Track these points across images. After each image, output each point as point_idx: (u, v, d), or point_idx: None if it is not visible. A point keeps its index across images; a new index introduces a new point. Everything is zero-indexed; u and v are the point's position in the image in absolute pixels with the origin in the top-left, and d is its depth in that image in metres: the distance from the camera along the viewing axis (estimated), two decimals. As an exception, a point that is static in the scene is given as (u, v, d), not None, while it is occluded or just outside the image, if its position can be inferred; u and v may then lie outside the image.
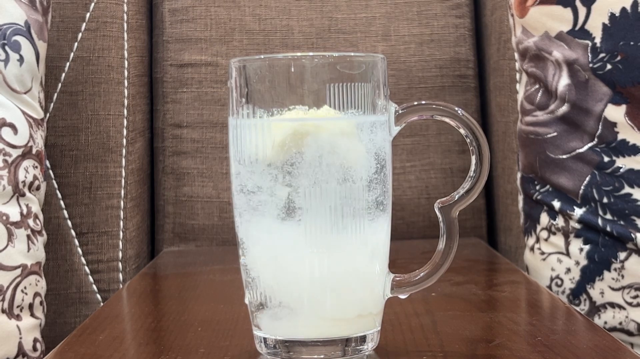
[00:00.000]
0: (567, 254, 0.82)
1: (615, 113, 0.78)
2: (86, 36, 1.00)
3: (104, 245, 0.99)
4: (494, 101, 1.06)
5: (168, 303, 0.75)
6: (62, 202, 0.99)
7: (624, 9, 0.76)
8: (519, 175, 0.89)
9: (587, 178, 0.80)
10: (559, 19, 0.80)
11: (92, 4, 1.01)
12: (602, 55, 0.77)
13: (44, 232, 0.85)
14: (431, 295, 0.69)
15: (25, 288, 0.79)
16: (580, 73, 0.79)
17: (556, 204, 0.82)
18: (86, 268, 0.99)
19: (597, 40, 0.78)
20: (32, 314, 0.80)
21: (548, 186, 0.83)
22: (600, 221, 0.79)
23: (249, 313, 0.54)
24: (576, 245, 0.81)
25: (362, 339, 0.52)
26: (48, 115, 0.98)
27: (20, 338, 0.78)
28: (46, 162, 0.96)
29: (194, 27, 1.08)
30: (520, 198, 0.89)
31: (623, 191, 0.78)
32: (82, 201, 0.99)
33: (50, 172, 0.98)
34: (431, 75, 1.08)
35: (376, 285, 0.52)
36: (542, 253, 0.84)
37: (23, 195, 0.81)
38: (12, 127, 0.80)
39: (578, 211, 0.81)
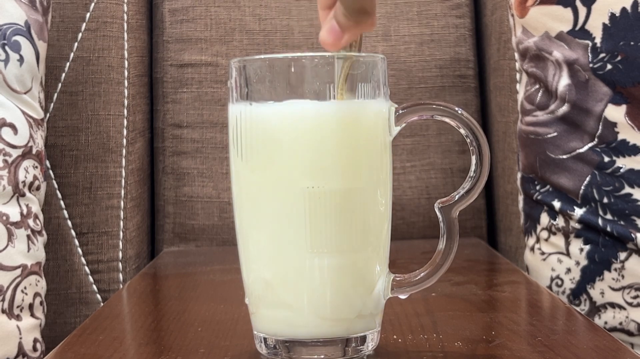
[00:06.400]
0: (568, 254, 0.82)
1: (616, 113, 0.78)
2: (86, 36, 1.00)
3: (104, 245, 0.99)
4: (494, 101, 1.06)
5: (168, 303, 0.75)
6: (62, 202, 0.99)
7: (624, 9, 0.76)
8: (519, 175, 0.89)
9: (587, 178, 0.80)
10: (559, 19, 0.80)
11: (92, 4, 1.01)
12: (602, 55, 0.77)
13: (44, 232, 0.85)
14: (431, 295, 0.69)
15: (25, 288, 0.79)
16: (581, 74, 0.79)
17: (556, 204, 0.82)
18: (86, 268, 0.99)
19: (597, 40, 0.78)
20: (32, 315, 0.80)
21: (548, 187, 0.83)
22: (600, 222, 0.79)
23: (249, 313, 0.54)
24: (576, 245, 0.81)
25: (362, 339, 0.52)
26: (48, 115, 0.98)
27: (20, 338, 0.78)
28: (46, 162, 0.96)
29: (194, 27, 1.08)
30: (521, 198, 0.89)
31: (623, 192, 0.78)
32: (82, 201, 0.99)
33: (50, 172, 0.98)
34: (431, 75, 1.08)
35: (376, 285, 0.52)
36: (543, 253, 0.84)
37: (23, 195, 0.81)
38: (12, 127, 0.80)
39: (578, 212, 0.81)
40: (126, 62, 1.02)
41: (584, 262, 0.81)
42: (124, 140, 1.01)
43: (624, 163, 0.78)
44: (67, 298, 0.98)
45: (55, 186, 0.99)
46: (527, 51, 0.84)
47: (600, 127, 0.79)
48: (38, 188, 0.84)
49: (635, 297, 0.78)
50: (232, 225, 0.54)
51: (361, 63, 0.51)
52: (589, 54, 0.78)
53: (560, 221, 0.82)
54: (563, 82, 0.80)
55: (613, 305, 0.79)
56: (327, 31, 0.50)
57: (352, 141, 0.50)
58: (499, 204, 1.07)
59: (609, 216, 0.79)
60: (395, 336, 0.57)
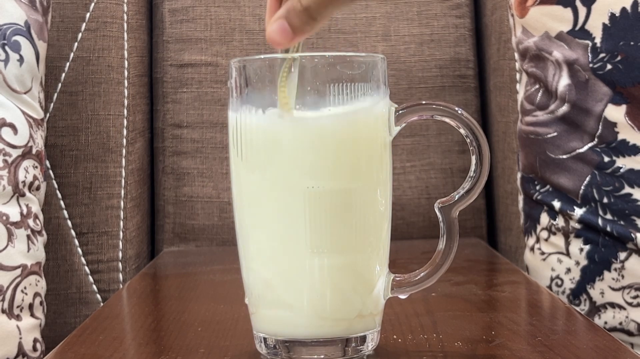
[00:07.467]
0: (567, 254, 0.82)
1: (616, 113, 0.78)
2: (86, 36, 1.00)
3: (104, 245, 0.99)
4: (494, 101, 1.06)
5: (168, 303, 0.75)
6: (62, 202, 0.99)
7: (624, 9, 0.76)
8: (519, 175, 0.89)
9: (587, 178, 0.80)
10: (559, 19, 0.80)
11: (92, 4, 1.01)
12: (602, 55, 0.77)
13: (44, 232, 0.85)
14: (431, 295, 0.69)
15: (25, 288, 0.79)
16: (581, 74, 0.79)
17: (556, 204, 0.82)
18: (86, 268, 0.99)
19: (597, 40, 0.78)
20: (32, 315, 0.80)
21: (548, 187, 0.83)
22: (600, 221, 0.79)
23: (249, 313, 0.54)
24: (576, 245, 0.81)
25: (362, 339, 0.52)
26: (48, 115, 0.98)
27: (20, 338, 0.78)
28: (46, 162, 0.96)
29: (194, 27, 1.08)
30: (521, 198, 0.89)
31: (623, 192, 0.78)
32: (82, 201, 0.99)
33: (50, 172, 0.98)
34: (431, 75, 1.08)
35: (376, 285, 0.52)
36: (542, 253, 0.84)
37: (23, 195, 0.81)
38: (12, 127, 0.80)
39: (578, 211, 0.81)
40: (126, 62, 1.02)
41: (583, 262, 0.81)
42: (124, 140, 1.01)
43: (624, 163, 0.78)
44: (67, 298, 0.98)
45: (55, 186, 0.99)
46: (527, 51, 0.84)
47: (600, 127, 0.79)
48: (38, 188, 0.84)
49: (635, 297, 0.78)
50: (232, 225, 0.54)
51: (361, 63, 0.51)
52: (589, 54, 0.78)
53: (560, 221, 0.82)
54: (563, 82, 0.80)
55: (613, 305, 0.79)
56: (277, 31, 0.49)
57: (352, 141, 0.50)
58: (499, 204, 1.07)
59: (609, 216, 0.79)
60: (395, 336, 0.57)
